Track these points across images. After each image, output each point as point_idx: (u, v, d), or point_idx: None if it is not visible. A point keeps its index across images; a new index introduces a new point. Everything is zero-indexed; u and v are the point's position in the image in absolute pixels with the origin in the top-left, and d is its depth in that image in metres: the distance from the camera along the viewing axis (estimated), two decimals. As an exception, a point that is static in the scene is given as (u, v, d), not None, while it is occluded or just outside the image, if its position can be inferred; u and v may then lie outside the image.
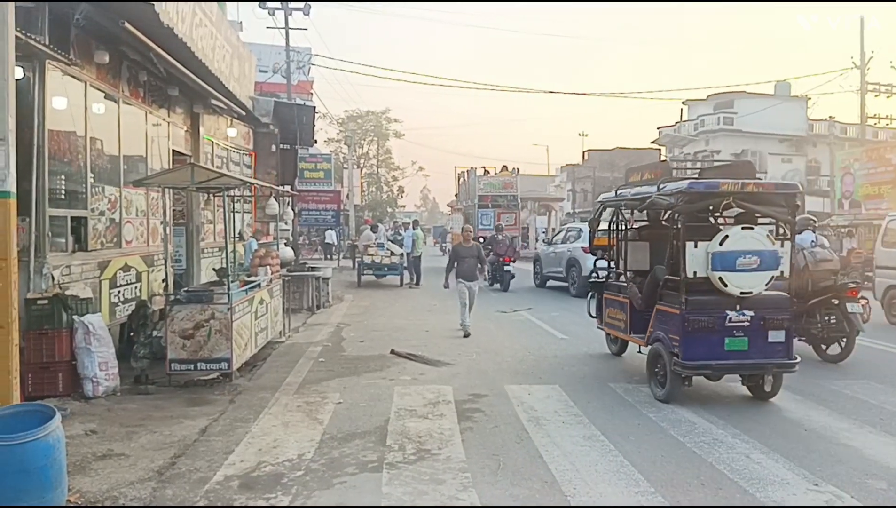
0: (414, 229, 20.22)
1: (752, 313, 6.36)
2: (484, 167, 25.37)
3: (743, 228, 6.47)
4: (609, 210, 8.80)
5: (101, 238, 8.31)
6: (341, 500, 4.22)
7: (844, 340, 8.62)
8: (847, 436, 5.57)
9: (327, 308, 13.95)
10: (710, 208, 6.91)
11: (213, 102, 12.03)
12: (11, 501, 3.67)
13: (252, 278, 8.95)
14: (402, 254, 18.97)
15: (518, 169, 25.44)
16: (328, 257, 30.55)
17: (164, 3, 7.69)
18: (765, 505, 4.16)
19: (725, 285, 6.35)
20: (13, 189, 4.49)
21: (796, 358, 6.56)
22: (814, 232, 9.70)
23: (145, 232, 9.76)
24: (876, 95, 31.17)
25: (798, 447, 5.29)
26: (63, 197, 7.58)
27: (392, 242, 19.92)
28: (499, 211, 23.29)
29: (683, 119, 48.37)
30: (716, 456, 5.03)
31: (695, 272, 6.40)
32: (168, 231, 8.84)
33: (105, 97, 8.59)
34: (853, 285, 8.92)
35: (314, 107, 20.06)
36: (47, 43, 6.69)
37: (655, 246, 8.12)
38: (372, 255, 18.78)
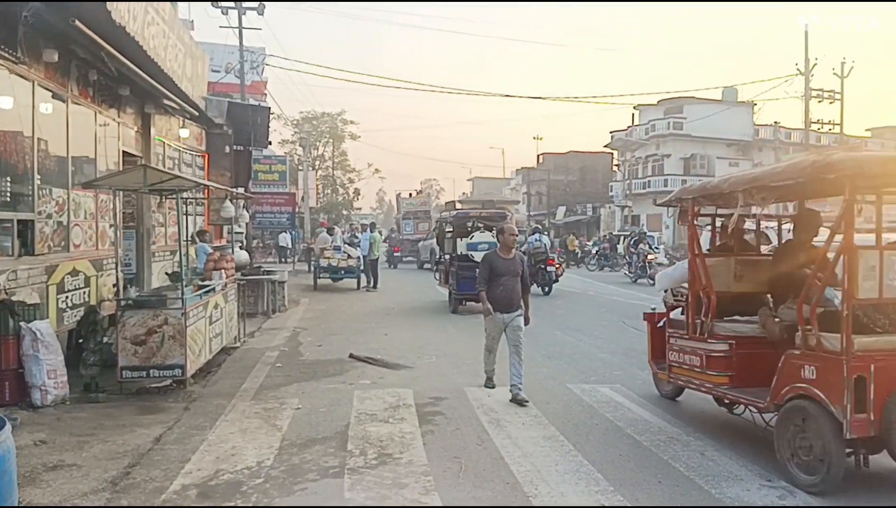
0: (371, 231, 20.15)
1: None
2: (410, 192, 40.22)
3: (481, 231, 15.05)
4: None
5: (48, 242, 8.03)
6: (303, 506, 4.18)
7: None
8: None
9: (283, 312, 13.78)
10: (468, 224, 15.46)
11: (165, 102, 11.76)
12: (-43, 516, 3.53)
13: (206, 283, 8.78)
14: (358, 257, 18.87)
15: (431, 191, 36.66)
16: (283, 260, 30.16)
17: (116, 1, 7.50)
18: (724, 505, 4.27)
19: (473, 257, 13.85)
20: (-43, 192, 4.31)
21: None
22: (541, 234, 20.12)
23: (94, 235, 9.46)
24: (819, 101, 32.37)
25: (750, 444, 5.45)
26: (8, 199, 7.31)
27: (349, 245, 19.78)
28: (417, 221, 34.39)
29: (635, 124, 49.41)
30: (671, 454, 5.16)
31: (460, 252, 14.50)
32: (118, 235, 8.60)
33: (53, 97, 8.30)
34: (551, 257, 18.09)
35: (269, 108, 19.79)
36: (-8, 40, 6.46)
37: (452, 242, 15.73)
38: (328, 258, 18.61)
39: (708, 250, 6.69)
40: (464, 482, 4.59)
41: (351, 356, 8.96)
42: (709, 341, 5.63)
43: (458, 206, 22.32)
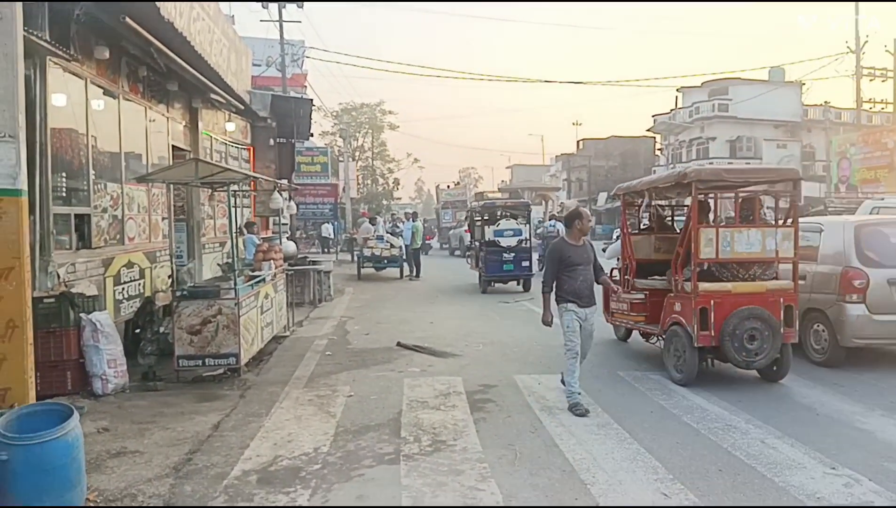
0: (413, 221, 20.19)
1: (513, 254, 15.22)
2: (448, 184, 41.60)
3: (507, 219, 15.94)
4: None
5: (104, 235, 8.27)
6: (362, 493, 4.21)
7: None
8: (861, 420, 5.60)
9: (329, 302, 13.93)
10: (497, 212, 16.48)
11: (212, 96, 11.97)
12: (32, 501, 3.65)
13: (256, 273, 8.92)
14: (401, 246, 18.96)
15: (469, 179, 36.70)
16: (325, 250, 30.52)
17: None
18: (795, 506, 4.15)
19: (499, 243, 15.30)
20: (25, 187, 4.45)
21: (533, 273, 15.43)
22: (556, 220, 19.53)
23: (147, 228, 9.71)
24: (871, 80, 31.15)
25: (812, 431, 5.31)
26: (66, 195, 7.53)
27: (391, 234, 19.88)
28: (455, 211, 35.01)
29: (678, 107, 48.38)
30: (731, 442, 5.05)
31: (488, 239, 15.46)
32: (171, 227, 8.79)
33: (105, 93, 8.52)
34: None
35: (311, 100, 19.99)
36: (48, 39, 6.62)
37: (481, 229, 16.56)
38: (372, 247, 18.74)
39: (637, 230, 9.06)
40: (519, 469, 4.57)
41: (398, 344, 9.01)
42: (631, 292, 7.97)
43: (489, 196, 24.81)
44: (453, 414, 5.82)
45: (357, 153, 53.02)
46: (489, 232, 15.80)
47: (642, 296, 7.85)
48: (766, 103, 42.59)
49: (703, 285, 6.69)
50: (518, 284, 15.77)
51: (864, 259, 7.42)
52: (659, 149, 54.54)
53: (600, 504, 4.02)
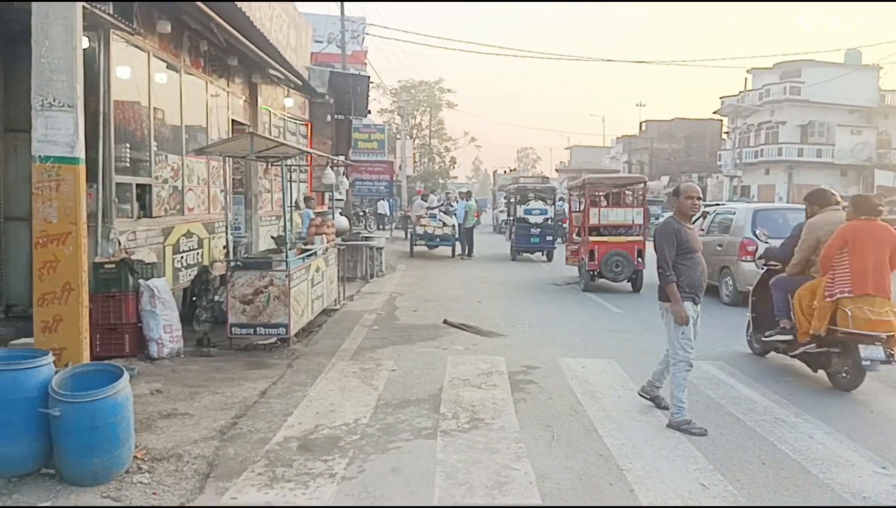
0: (467, 200, 20.16)
1: (539, 229, 18.50)
2: (505, 169, 44.53)
3: (535, 199, 19.28)
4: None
5: (164, 205, 8.55)
6: (397, 465, 4.28)
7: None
8: (919, 420, 5.35)
9: (380, 278, 14.10)
10: (528, 194, 19.75)
11: (271, 71, 12.15)
12: (82, 456, 3.84)
13: (308, 247, 9.08)
14: (454, 225, 18.99)
15: (528, 160, 36.72)
16: (381, 227, 30.81)
17: (224, -29, 7.76)
18: (847, 505, 3.98)
19: (528, 219, 18.66)
20: (82, 155, 4.62)
21: (555, 246, 18.90)
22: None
23: (206, 200, 9.99)
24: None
25: (865, 428, 5.10)
26: (128, 165, 7.80)
27: (444, 213, 19.92)
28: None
29: (748, 88, 46.56)
30: (777, 435, 4.90)
31: (519, 215, 19.01)
32: (228, 199, 9.01)
33: (167, 67, 8.75)
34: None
35: (368, 77, 20.07)
36: (111, 12, 6.83)
37: (514, 207, 20.48)
38: (424, 226, 18.83)
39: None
40: (555, 451, 4.55)
41: (445, 321, 9.05)
42: (587, 245, 12.75)
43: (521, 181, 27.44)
44: (493, 393, 5.83)
45: (414, 131, 53.12)
46: (520, 210, 19.16)
47: (576, 247, 13.84)
48: (840, 87, 40.62)
49: (592, 238, 12.67)
50: (542, 254, 18.91)
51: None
52: (726, 132, 52.72)
53: (634, 489, 3.97)
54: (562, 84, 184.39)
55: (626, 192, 14.42)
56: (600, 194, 14.46)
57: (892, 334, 5.77)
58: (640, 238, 12.57)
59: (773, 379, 6.46)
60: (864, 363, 5.81)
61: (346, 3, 26.65)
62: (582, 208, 13.83)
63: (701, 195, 5.37)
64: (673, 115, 62.13)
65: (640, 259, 12.34)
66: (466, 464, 4.28)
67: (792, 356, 6.62)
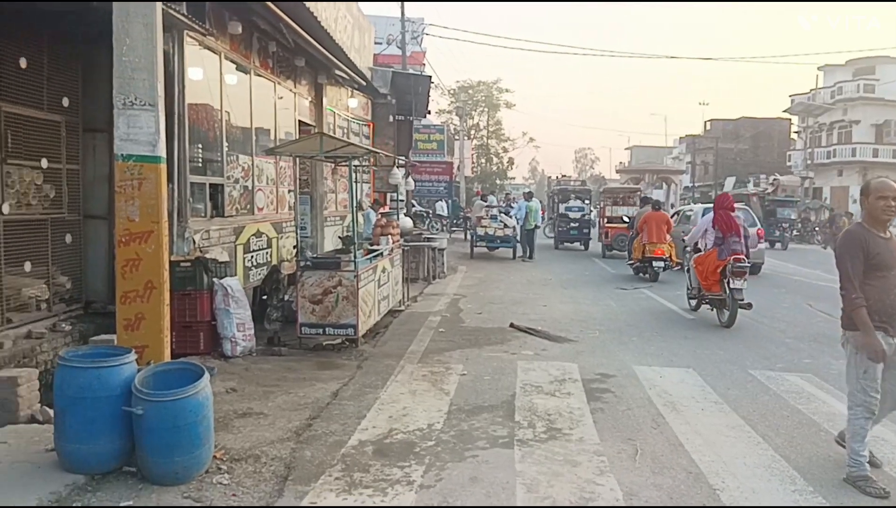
0: (528, 200, 19.89)
1: (577, 223, 22.74)
2: (558, 176, 42.72)
3: (574, 199, 23.79)
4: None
5: (235, 205, 8.65)
6: (475, 474, 4.13)
7: None
8: None
9: (443, 279, 14.01)
10: (569, 194, 24.52)
11: (336, 72, 12.20)
12: (164, 456, 3.83)
13: (375, 247, 9.05)
14: (514, 226, 18.75)
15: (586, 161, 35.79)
16: (441, 228, 30.75)
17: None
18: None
19: (568, 215, 23.08)
20: (164, 154, 4.65)
21: (591, 237, 23.27)
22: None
23: (274, 200, 10.08)
24: None
25: (981, 452, 4.69)
26: (201, 165, 7.91)
27: (504, 214, 19.69)
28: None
29: (819, 86, 44.66)
30: (881, 456, 4.54)
31: (561, 212, 23.59)
32: (296, 199, 9.07)
33: (238, 68, 8.85)
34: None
35: (430, 77, 20.03)
36: (185, 13, 6.91)
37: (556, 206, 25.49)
38: (485, 227, 18.66)
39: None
40: (641, 466, 4.33)
41: (512, 325, 8.88)
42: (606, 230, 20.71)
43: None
44: (569, 402, 5.63)
45: (472, 131, 52.94)
46: (561, 208, 23.54)
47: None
48: (920, 84, 38.43)
49: (606, 224, 20.49)
50: (580, 244, 22.86)
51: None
52: (796, 132, 50.73)
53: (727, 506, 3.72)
54: (622, 82, 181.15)
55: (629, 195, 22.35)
56: (616, 197, 22.55)
57: None
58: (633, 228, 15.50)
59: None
60: None
61: (406, 4, 26.73)
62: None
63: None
64: (739, 113, 59.94)
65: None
66: (547, 477, 4.11)
67: None
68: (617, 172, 60.12)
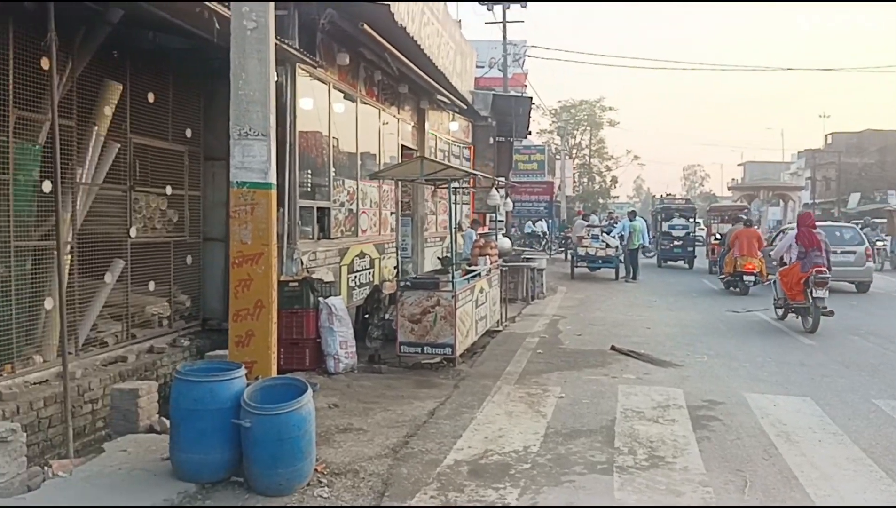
0: (632, 219, 19.40)
1: (681, 242, 22.57)
2: (662, 195, 38.99)
3: (677, 217, 22.95)
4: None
5: (341, 227, 9.01)
6: (571, 499, 4.06)
7: None
8: None
9: (542, 299, 13.88)
10: (673, 213, 23.43)
11: (438, 97, 12.51)
12: (268, 467, 4.02)
13: (473, 268, 9.14)
14: (616, 246, 18.32)
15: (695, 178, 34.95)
16: (541, 249, 30.54)
17: (397, 3, 8.09)
18: None
19: (672, 233, 22.74)
20: (274, 181, 4.93)
21: (696, 255, 22.79)
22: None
23: (377, 222, 10.42)
24: None
25: None
26: (309, 190, 8.32)
27: (607, 233, 19.30)
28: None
29: (958, 93, 40.91)
30: None
31: (664, 231, 23.12)
32: (398, 221, 9.33)
33: (345, 97, 9.27)
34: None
35: (530, 98, 20.11)
36: (297, 47, 7.33)
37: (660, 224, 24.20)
38: (586, 247, 18.35)
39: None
40: (750, 499, 4.09)
41: (613, 348, 8.66)
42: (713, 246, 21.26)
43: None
44: (673, 429, 5.42)
45: (574, 151, 52.37)
46: (665, 226, 23.15)
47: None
48: None
49: (714, 242, 21.04)
50: (685, 262, 22.68)
51: None
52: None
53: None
54: (734, 96, 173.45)
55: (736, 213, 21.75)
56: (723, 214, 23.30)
57: None
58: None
59: None
60: None
61: (507, 26, 27.00)
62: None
63: None
64: (863, 126, 55.93)
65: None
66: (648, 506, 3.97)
67: None
68: (729, 189, 57.53)
